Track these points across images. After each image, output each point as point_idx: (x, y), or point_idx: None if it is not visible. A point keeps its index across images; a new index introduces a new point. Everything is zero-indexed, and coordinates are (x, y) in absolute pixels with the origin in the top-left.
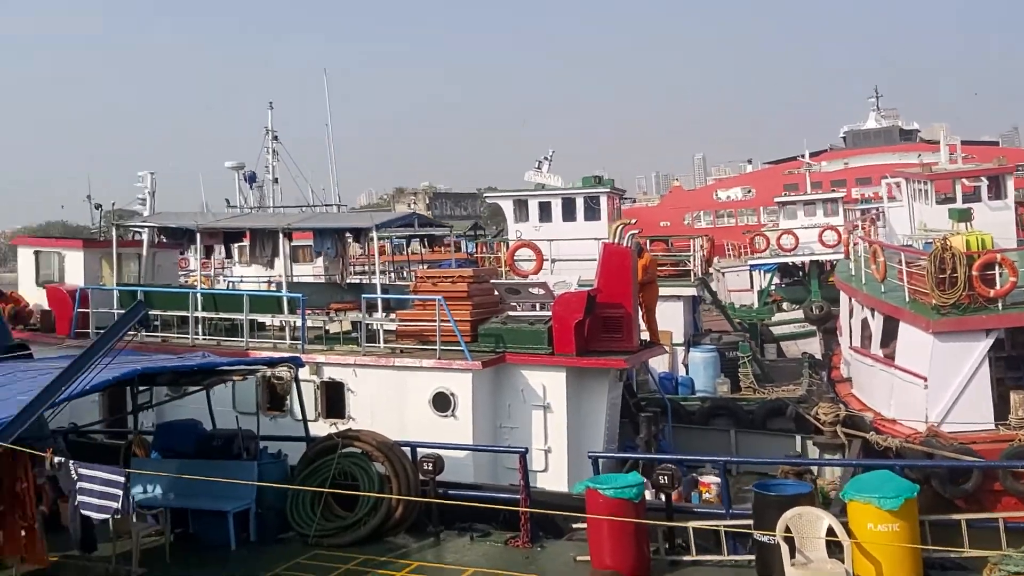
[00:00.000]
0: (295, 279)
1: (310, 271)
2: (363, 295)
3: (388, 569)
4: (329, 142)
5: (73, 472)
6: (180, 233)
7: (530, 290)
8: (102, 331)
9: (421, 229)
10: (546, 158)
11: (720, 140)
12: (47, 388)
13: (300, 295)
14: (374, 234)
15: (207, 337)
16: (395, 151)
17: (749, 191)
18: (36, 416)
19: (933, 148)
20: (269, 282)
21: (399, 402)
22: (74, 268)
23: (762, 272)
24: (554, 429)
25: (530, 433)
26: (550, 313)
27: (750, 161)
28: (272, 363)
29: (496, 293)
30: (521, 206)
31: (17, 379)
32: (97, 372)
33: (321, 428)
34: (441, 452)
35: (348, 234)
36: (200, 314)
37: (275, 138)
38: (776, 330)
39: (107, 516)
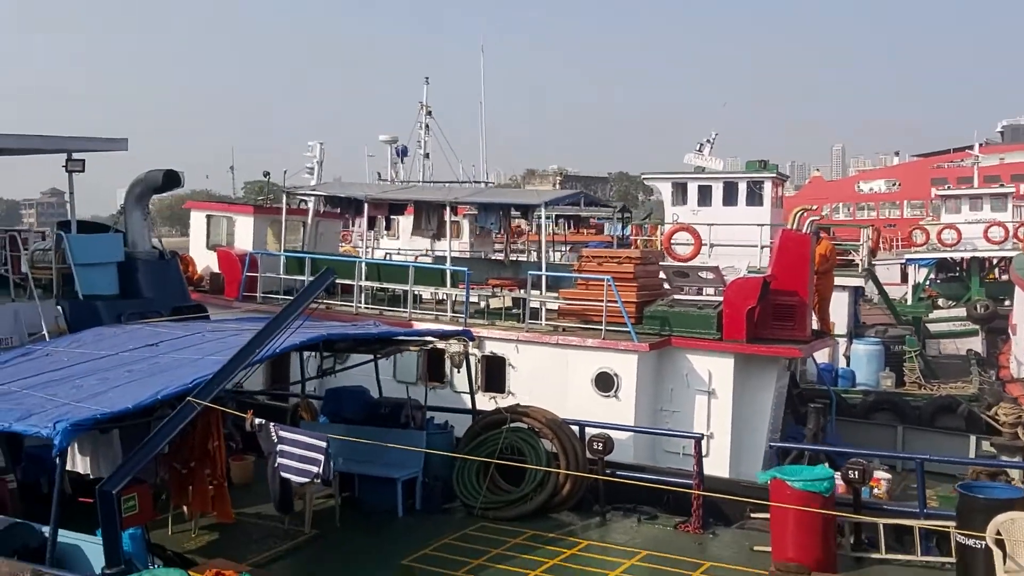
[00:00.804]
0: (439, 253)
1: (456, 247)
2: (529, 272)
3: (557, 546)
4: (481, 120)
5: (274, 434)
6: (347, 203)
7: (700, 274)
8: (269, 295)
9: (585, 209)
10: (708, 140)
11: (858, 132)
12: (243, 350)
13: (465, 269)
14: (542, 211)
15: (369, 306)
16: (525, 130)
17: (894, 184)
18: (231, 377)
19: None
20: (417, 256)
21: (560, 380)
22: (244, 233)
23: (917, 267)
24: (717, 416)
25: (692, 418)
26: (718, 298)
27: (897, 153)
28: (445, 335)
29: (662, 276)
30: (679, 189)
31: (205, 339)
32: (288, 336)
33: (480, 401)
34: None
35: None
36: (365, 283)
37: (429, 113)
38: (934, 327)
39: (307, 480)
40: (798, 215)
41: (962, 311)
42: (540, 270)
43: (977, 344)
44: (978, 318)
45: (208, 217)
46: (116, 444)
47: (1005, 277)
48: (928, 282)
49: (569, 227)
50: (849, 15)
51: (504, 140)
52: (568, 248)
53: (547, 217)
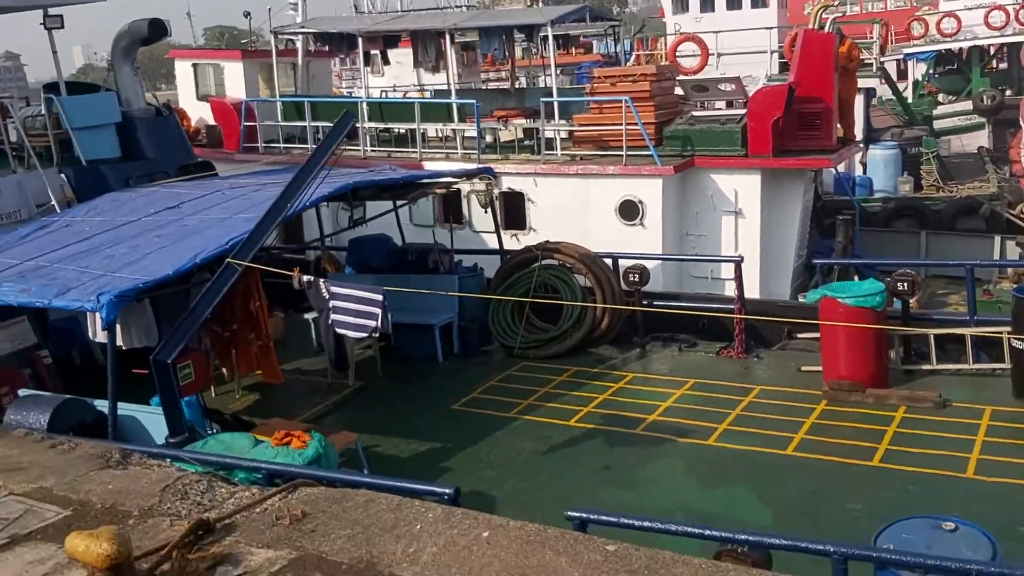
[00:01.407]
0: (429, 88)
1: (442, 79)
2: (541, 99)
3: (603, 380)
4: None
5: (324, 291)
6: (339, 39)
7: (720, 87)
8: (268, 144)
9: (588, 25)
10: None
11: None
12: (275, 205)
13: (474, 102)
14: (549, 31)
15: (376, 149)
16: None
17: None
18: (267, 234)
19: None
20: (406, 92)
21: (582, 211)
22: (234, 80)
23: (916, 61)
24: (746, 236)
25: (719, 241)
26: (738, 112)
27: None
28: (468, 175)
29: (678, 92)
30: None
31: (227, 197)
32: (316, 187)
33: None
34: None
35: (518, 33)
36: (370, 124)
37: None
38: (938, 124)
39: (366, 335)
40: (819, 13)
41: (967, 105)
42: (547, 96)
43: (984, 139)
44: (985, 110)
45: (194, 66)
46: (148, 312)
47: (1004, 66)
48: (927, 77)
49: (557, 47)
50: None
51: None
52: (559, 70)
53: (541, 38)
